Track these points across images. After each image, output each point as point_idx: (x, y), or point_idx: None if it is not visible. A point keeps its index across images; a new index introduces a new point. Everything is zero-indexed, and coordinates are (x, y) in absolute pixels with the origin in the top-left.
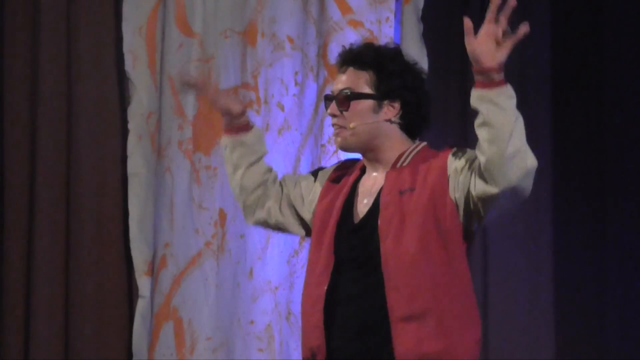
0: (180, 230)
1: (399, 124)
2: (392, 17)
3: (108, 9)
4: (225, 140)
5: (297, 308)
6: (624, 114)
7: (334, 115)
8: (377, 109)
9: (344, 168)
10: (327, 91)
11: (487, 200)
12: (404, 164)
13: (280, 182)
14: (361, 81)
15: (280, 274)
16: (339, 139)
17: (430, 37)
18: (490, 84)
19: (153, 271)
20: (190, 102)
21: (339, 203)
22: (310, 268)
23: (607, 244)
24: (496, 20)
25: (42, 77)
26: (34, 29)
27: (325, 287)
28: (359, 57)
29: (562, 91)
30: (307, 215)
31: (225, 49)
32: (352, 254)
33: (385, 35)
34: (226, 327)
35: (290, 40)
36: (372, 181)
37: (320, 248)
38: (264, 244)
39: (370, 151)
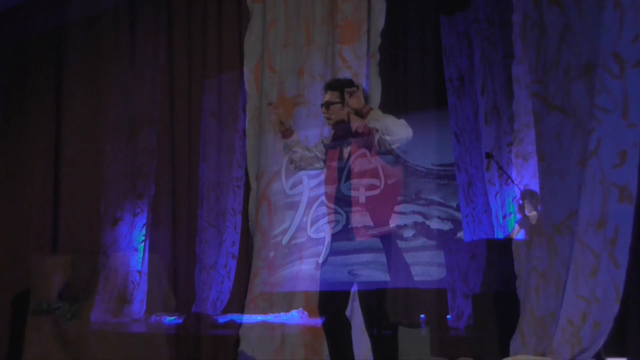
0: (283, 162)
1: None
2: None
3: (236, 63)
4: (283, 141)
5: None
6: None
7: (325, 112)
8: (342, 107)
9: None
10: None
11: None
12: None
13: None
14: (335, 95)
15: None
16: (327, 121)
17: None
18: (368, 112)
19: (258, 178)
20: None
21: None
22: (326, 183)
23: None
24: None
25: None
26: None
27: (335, 190)
28: (334, 85)
29: None
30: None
31: (291, 78)
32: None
33: None
34: (292, 202)
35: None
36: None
37: (332, 175)
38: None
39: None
